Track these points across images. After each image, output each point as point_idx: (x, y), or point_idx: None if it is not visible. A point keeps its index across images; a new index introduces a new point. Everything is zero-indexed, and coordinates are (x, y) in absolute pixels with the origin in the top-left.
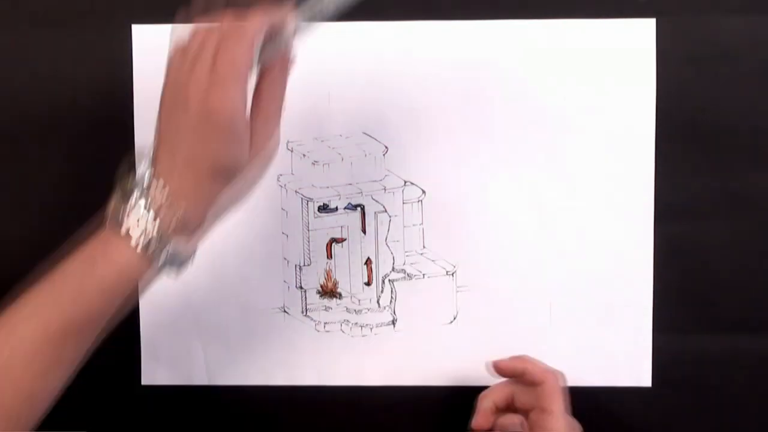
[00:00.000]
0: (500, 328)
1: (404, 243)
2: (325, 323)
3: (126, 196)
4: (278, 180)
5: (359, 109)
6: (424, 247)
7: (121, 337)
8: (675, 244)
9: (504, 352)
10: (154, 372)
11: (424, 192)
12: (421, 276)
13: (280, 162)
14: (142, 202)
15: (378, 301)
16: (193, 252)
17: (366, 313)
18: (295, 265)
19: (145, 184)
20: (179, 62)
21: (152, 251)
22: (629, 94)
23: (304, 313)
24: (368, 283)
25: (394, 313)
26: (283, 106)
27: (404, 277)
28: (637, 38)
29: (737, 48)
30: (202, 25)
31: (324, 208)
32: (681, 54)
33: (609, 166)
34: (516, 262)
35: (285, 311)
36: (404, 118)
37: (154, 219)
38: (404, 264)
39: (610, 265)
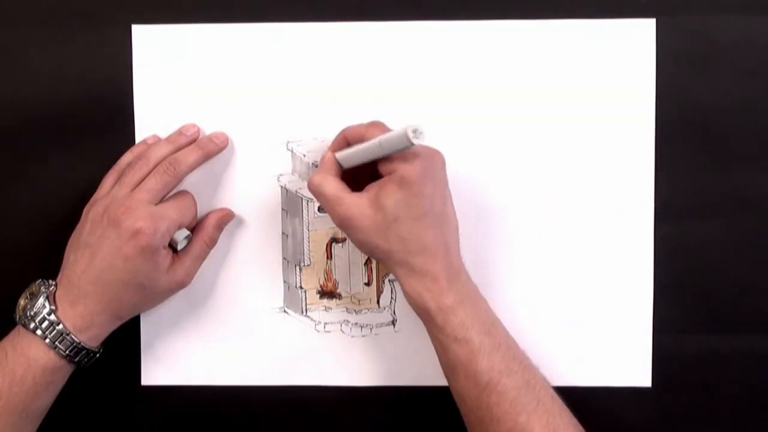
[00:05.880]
0: None
1: None
2: (325, 323)
3: (34, 295)
4: (278, 180)
5: (359, 109)
6: None
7: (121, 337)
8: (675, 244)
9: None
10: (154, 372)
11: None
12: None
13: (280, 162)
14: (47, 301)
15: (378, 301)
16: (100, 346)
17: (366, 313)
18: (295, 265)
19: (50, 287)
20: (114, 181)
21: (58, 345)
22: (629, 94)
23: (304, 313)
24: (368, 283)
25: (394, 313)
26: (207, 254)
27: None
28: (637, 38)
29: (737, 48)
30: (145, 153)
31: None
32: (681, 54)
33: (609, 166)
34: (516, 262)
35: (285, 311)
36: (404, 118)
37: (58, 317)
38: None
39: (610, 265)
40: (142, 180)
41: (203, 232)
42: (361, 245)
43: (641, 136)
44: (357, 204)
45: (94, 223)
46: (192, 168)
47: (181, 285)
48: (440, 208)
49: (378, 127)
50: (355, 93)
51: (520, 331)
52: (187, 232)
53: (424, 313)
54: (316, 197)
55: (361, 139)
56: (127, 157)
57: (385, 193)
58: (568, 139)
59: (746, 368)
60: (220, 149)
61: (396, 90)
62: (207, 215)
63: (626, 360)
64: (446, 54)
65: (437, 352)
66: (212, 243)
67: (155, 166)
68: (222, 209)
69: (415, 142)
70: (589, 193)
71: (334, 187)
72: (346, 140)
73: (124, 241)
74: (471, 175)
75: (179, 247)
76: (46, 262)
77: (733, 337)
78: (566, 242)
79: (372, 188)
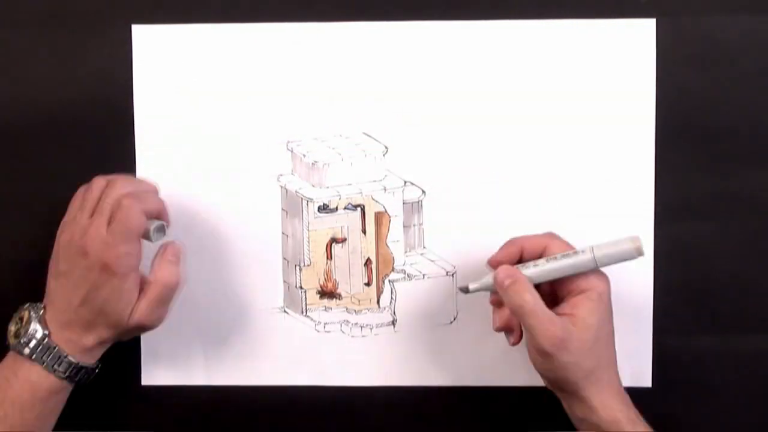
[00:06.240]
0: None
1: (404, 243)
2: (325, 323)
3: (24, 320)
4: (278, 180)
5: (359, 109)
6: (424, 247)
7: None
8: (675, 244)
9: (504, 352)
10: (154, 372)
11: (424, 192)
12: (421, 276)
13: (280, 162)
14: (39, 326)
15: (378, 302)
16: (97, 362)
17: (366, 313)
18: (295, 265)
19: (40, 312)
20: (80, 205)
21: (57, 368)
22: (629, 94)
23: (304, 314)
24: (368, 284)
25: (394, 313)
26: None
27: (404, 278)
28: (637, 38)
29: (737, 48)
30: (103, 178)
31: (324, 208)
32: (681, 54)
33: (609, 166)
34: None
35: (285, 311)
36: (404, 118)
37: (53, 341)
38: (404, 264)
39: (611, 265)
40: (99, 200)
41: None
42: (567, 366)
43: (641, 136)
44: (565, 325)
45: (65, 251)
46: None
47: (154, 324)
48: (613, 326)
49: (557, 240)
50: (355, 93)
51: None
52: (159, 223)
53: (613, 425)
54: (519, 316)
55: (542, 252)
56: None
57: (588, 311)
58: (568, 139)
59: (746, 368)
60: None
61: (396, 90)
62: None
63: (626, 360)
64: (446, 54)
65: None
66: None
67: (106, 182)
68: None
69: (643, 254)
70: (589, 193)
71: (542, 305)
72: (520, 251)
73: (96, 273)
74: (470, 175)
75: (153, 240)
76: (45, 261)
77: (733, 337)
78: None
79: (568, 307)
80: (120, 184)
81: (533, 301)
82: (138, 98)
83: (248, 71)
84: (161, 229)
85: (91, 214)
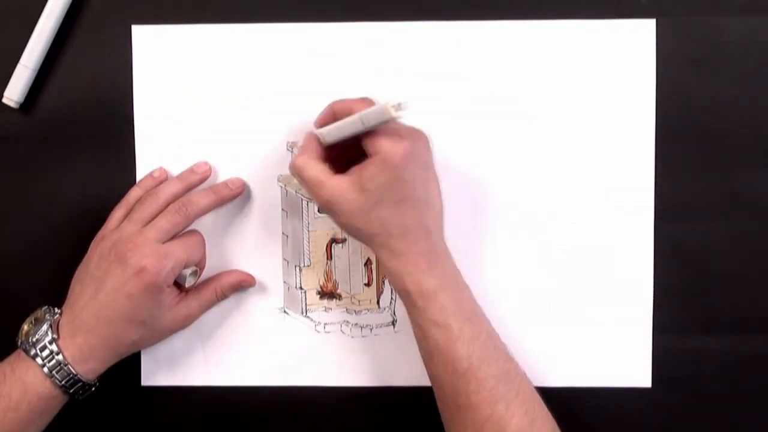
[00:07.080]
0: (500, 329)
1: None
2: (325, 324)
3: (38, 321)
4: (278, 180)
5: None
6: None
7: None
8: (675, 244)
9: None
10: (154, 372)
11: None
12: None
13: (280, 162)
14: (49, 330)
15: (378, 302)
16: (96, 380)
17: (366, 313)
18: (295, 266)
19: (55, 315)
20: (123, 213)
21: (55, 375)
22: (629, 95)
23: (304, 314)
24: (368, 284)
25: (394, 313)
26: (214, 305)
27: None
28: (637, 38)
29: (737, 48)
30: (155, 190)
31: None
32: (681, 54)
33: (609, 166)
34: (516, 262)
35: (285, 312)
36: (403, 119)
37: (59, 347)
38: None
39: (610, 265)
40: (152, 217)
41: (219, 283)
42: (343, 227)
43: (641, 136)
44: (339, 187)
45: (101, 257)
46: (204, 212)
47: (182, 326)
48: (422, 192)
49: (366, 102)
50: (355, 93)
51: (520, 331)
52: (194, 268)
53: (405, 296)
54: (297, 180)
55: (348, 114)
56: (135, 191)
57: (368, 175)
58: (568, 139)
59: (746, 368)
60: (235, 195)
61: (396, 90)
62: (231, 271)
63: (626, 360)
64: (446, 54)
65: (416, 337)
66: (222, 297)
67: (165, 204)
68: (247, 274)
69: (396, 115)
70: (589, 192)
71: (316, 170)
72: (333, 114)
73: (129, 277)
74: (471, 175)
75: (186, 284)
76: (44, 262)
77: (733, 337)
78: (566, 242)
79: (354, 171)
80: (193, 210)
81: (304, 166)
82: (138, 98)
83: (248, 71)
84: (195, 275)
85: (140, 225)
